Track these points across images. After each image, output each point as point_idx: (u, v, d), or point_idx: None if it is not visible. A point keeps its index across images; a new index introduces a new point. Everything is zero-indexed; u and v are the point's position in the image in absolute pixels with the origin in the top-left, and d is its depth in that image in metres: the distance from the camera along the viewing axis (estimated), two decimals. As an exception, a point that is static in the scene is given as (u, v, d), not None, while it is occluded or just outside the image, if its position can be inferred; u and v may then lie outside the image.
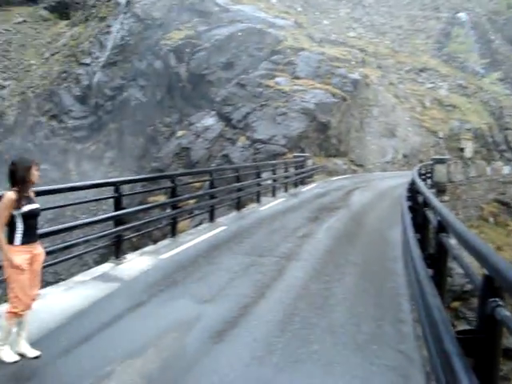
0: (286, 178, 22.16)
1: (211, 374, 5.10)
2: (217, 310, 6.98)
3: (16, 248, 5.39)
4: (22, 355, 5.46)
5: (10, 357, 5.37)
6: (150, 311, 6.96)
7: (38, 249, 5.69)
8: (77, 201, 11.49)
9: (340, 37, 51.58)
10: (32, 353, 5.48)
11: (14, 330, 5.46)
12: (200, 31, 39.97)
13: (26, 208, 5.42)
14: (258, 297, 7.53)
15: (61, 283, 8.39)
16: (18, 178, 5.40)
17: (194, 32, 40.16)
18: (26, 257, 5.45)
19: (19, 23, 47.02)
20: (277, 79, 33.54)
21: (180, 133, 31.12)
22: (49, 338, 5.99)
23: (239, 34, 38.76)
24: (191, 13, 42.50)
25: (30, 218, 5.50)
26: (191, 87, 36.11)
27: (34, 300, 5.66)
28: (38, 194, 7.74)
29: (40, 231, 7.74)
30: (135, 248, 11.74)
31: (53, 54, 43.46)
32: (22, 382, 5.01)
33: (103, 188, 10.90)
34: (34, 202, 5.56)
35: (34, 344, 5.59)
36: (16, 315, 5.42)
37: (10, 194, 5.34)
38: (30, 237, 5.51)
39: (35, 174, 5.52)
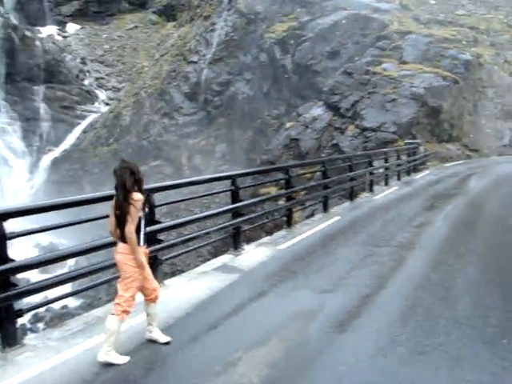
0: (398, 165, 21.65)
1: (337, 364, 5.11)
2: (337, 300, 6.97)
3: (141, 248, 5.45)
4: (154, 341, 5.74)
5: (121, 359, 5.35)
6: (272, 301, 7.09)
7: None
8: (190, 195, 11.89)
9: (448, 16, 49.36)
10: (163, 338, 5.72)
11: (120, 329, 5.43)
12: (303, 22, 39.87)
13: (145, 210, 5.52)
14: (378, 287, 7.45)
15: (183, 274, 8.77)
16: (139, 180, 5.38)
17: (297, 23, 40.13)
18: (145, 257, 5.52)
19: (131, 29, 49.44)
20: (384, 65, 32.77)
21: (288, 124, 31.26)
22: (177, 327, 6.27)
23: (343, 21, 38.25)
24: (294, 4, 42.47)
25: (146, 219, 5.59)
26: (297, 78, 36.17)
27: (156, 291, 5.73)
28: (162, 189, 8.16)
29: (168, 223, 8.17)
30: (248, 239, 11.97)
31: (162, 55, 45.15)
32: (156, 366, 5.28)
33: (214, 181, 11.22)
34: None
35: (163, 332, 5.89)
36: (128, 314, 5.46)
37: (140, 196, 5.32)
38: (145, 237, 5.60)
39: None
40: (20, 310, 6.14)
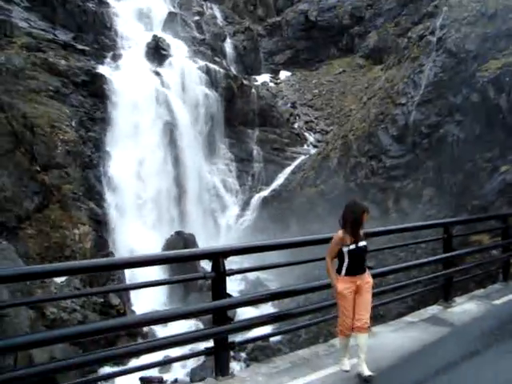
0: None
1: None
2: None
3: (341, 278, 6.26)
4: (359, 375, 6.18)
5: (345, 366, 6.42)
6: (486, 363, 6.63)
7: (364, 279, 6.30)
8: (396, 239, 11.62)
9: None
10: (366, 372, 6.16)
11: (347, 345, 6.46)
12: (522, 57, 37.20)
13: (352, 246, 6.19)
14: None
15: (391, 323, 8.61)
16: (347, 219, 6.21)
17: (514, 59, 37.58)
18: (348, 286, 6.20)
19: (339, 73, 50.77)
20: None
21: (503, 168, 29.15)
22: (381, 377, 6.14)
23: None
24: (508, 39, 39.95)
25: (356, 255, 6.25)
26: (514, 118, 33.69)
27: (357, 325, 6.19)
28: (373, 235, 8.16)
29: (381, 270, 8.14)
30: (455, 289, 11.32)
31: (370, 98, 45.47)
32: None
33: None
34: (362, 241, 6.28)
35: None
36: (341, 333, 6.38)
37: (339, 233, 6.26)
38: (354, 270, 6.28)
39: (364, 218, 6.26)
40: (233, 343, 6.57)
